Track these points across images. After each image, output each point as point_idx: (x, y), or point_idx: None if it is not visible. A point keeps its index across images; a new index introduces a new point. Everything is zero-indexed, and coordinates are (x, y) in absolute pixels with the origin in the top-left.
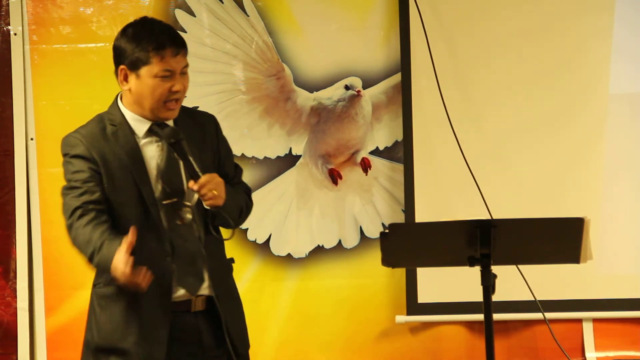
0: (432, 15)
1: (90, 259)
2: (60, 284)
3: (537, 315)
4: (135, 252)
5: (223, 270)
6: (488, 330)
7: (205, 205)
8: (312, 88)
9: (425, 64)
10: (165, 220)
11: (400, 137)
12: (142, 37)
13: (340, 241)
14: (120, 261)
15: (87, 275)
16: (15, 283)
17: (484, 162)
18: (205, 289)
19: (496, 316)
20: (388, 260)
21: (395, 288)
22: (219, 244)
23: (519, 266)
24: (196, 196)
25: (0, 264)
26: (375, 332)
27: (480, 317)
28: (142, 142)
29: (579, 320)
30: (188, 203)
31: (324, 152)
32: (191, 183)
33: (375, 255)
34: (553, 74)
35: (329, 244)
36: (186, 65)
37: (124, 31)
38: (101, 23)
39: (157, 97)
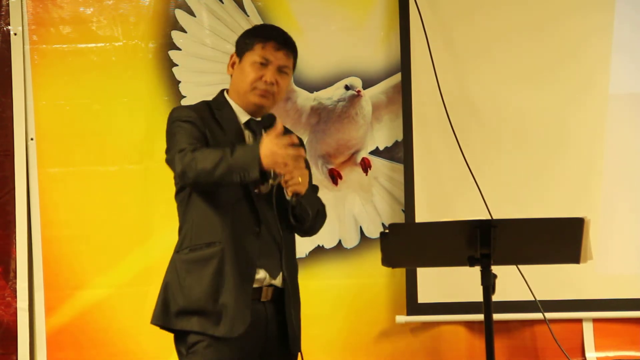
0: (432, 15)
1: (216, 167)
2: (60, 284)
3: (537, 315)
4: (230, 219)
5: (293, 267)
6: (488, 330)
7: (288, 191)
8: (312, 88)
9: (425, 64)
10: (259, 208)
11: (400, 137)
12: (258, 30)
13: (340, 241)
14: (273, 139)
15: (87, 275)
16: (15, 283)
17: (484, 162)
18: (278, 280)
19: (496, 316)
20: (388, 260)
21: (395, 288)
22: (292, 242)
23: (519, 266)
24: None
25: (0, 264)
26: (375, 332)
27: (480, 317)
28: (245, 129)
29: (579, 320)
30: (271, 182)
31: (324, 152)
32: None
33: (375, 255)
34: (553, 73)
35: (329, 244)
36: (287, 66)
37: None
38: (101, 23)
39: (249, 80)
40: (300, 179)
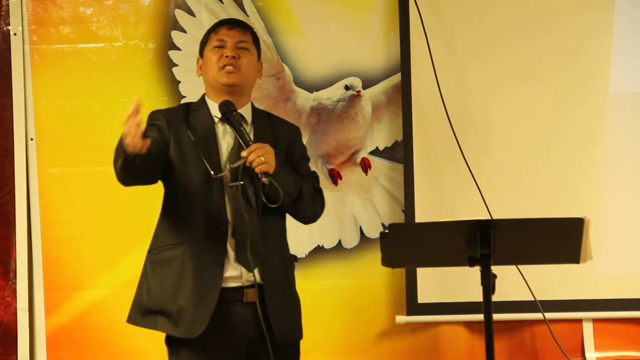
0: (432, 15)
1: (116, 156)
2: (60, 284)
3: (537, 315)
4: (195, 220)
5: (278, 260)
6: (488, 330)
7: (256, 171)
8: (312, 88)
9: (425, 64)
10: (228, 202)
11: (400, 137)
12: (211, 27)
13: (340, 241)
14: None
15: (87, 275)
16: (15, 283)
17: (484, 162)
18: (256, 276)
19: (496, 316)
20: (388, 260)
21: (395, 288)
22: (276, 231)
23: (519, 266)
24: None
25: (0, 264)
26: (375, 332)
27: (480, 317)
28: (218, 126)
29: (579, 320)
30: (231, 165)
31: (323, 152)
32: (242, 151)
33: (375, 255)
34: (553, 72)
35: (329, 244)
36: (244, 41)
37: None
38: (101, 23)
39: (213, 64)
40: (262, 158)
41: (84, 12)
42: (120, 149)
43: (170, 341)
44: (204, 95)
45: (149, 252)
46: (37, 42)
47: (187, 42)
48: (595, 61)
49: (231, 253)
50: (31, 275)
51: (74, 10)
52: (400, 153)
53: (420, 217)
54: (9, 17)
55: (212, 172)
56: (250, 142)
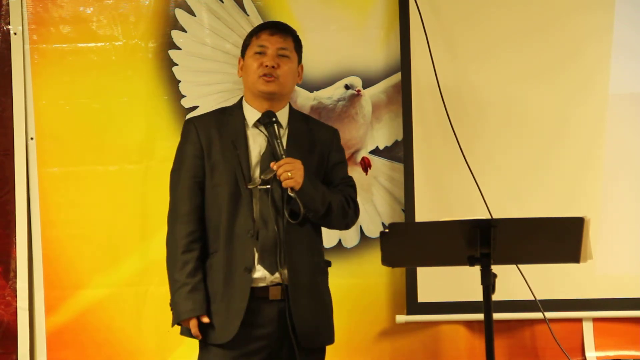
0: (432, 15)
1: (170, 281)
2: (60, 283)
3: (537, 315)
4: (226, 225)
5: (306, 264)
6: (488, 329)
7: (282, 185)
8: (312, 87)
9: (425, 63)
10: (256, 205)
11: (400, 137)
12: (254, 28)
13: (340, 241)
14: (194, 325)
15: (87, 274)
16: (15, 283)
17: (484, 162)
18: (278, 276)
19: (496, 316)
20: (388, 260)
21: (395, 288)
22: (302, 236)
23: (519, 266)
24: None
25: (0, 264)
26: (375, 332)
27: (480, 316)
28: (250, 130)
29: (579, 320)
30: (262, 176)
31: None
32: (272, 163)
33: (375, 255)
34: (553, 72)
35: (329, 243)
36: (286, 48)
37: None
38: (101, 23)
39: (252, 71)
40: (289, 174)
41: (84, 11)
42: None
43: (200, 347)
44: (241, 99)
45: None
46: (37, 41)
47: (188, 41)
48: (595, 61)
49: (256, 256)
50: (31, 275)
51: (74, 10)
52: (401, 152)
53: (420, 216)
54: (9, 16)
55: (245, 183)
56: (283, 156)
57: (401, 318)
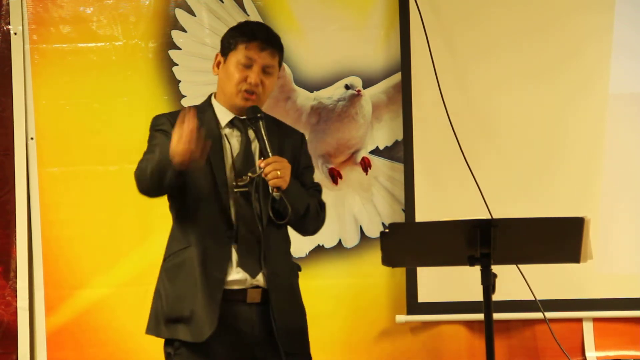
0: (432, 15)
1: (151, 171)
2: (60, 283)
3: (537, 315)
4: (200, 227)
5: (284, 267)
6: (488, 329)
7: (269, 184)
8: (312, 87)
9: (425, 63)
10: (233, 207)
11: (400, 137)
12: (242, 29)
13: (340, 241)
14: (176, 130)
15: (87, 274)
16: (16, 282)
17: (484, 162)
18: (261, 280)
19: (496, 316)
20: (388, 260)
21: (395, 288)
22: (281, 239)
23: (519, 266)
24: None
25: (0, 264)
26: (375, 332)
27: (480, 316)
28: (224, 131)
29: (579, 320)
30: (250, 174)
31: (324, 152)
32: (259, 161)
33: (375, 254)
34: (553, 72)
35: (329, 243)
36: (272, 66)
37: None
38: (101, 23)
39: (234, 83)
40: (279, 172)
41: (84, 11)
42: (166, 165)
43: (172, 345)
44: (210, 97)
45: (164, 260)
46: (37, 41)
47: (188, 41)
48: (596, 61)
49: (235, 257)
50: (31, 275)
51: (74, 10)
52: (401, 152)
53: (420, 216)
54: (9, 16)
55: (229, 184)
56: (270, 154)
57: (401, 318)
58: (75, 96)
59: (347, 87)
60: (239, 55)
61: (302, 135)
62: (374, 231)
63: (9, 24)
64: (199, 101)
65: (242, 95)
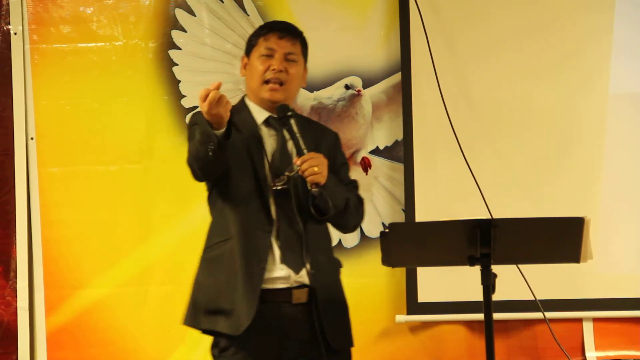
0: (432, 15)
1: (196, 148)
2: (60, 283)
3: (537, 315)
4: (241, 221)
5: (327, 264)
6: (488, 329)
7: (307, 181)
8: (312, 87)
9: (425, 63)
10: (273, 204)
11: (400, 137)
12: (261, 27)
13: (340, 240)
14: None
15: (87, 274)
16: (16, 283)
17: (484, 162)
18: (305, 277)
19: (496, 316)
20: (388, 260)
21: (395, 288)
22: (322, 235)
23: (519, 266)
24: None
25: (0, 264)
26: (375, 331)
27: (480, 316)
28: (262, 126)
29: (579, 320)
30: (287, 173)
31: None
32: (295, 159)
33: (375, 254)
34: (553, 72)
35: None
36: (293, 52)
37: None
38: (101, 23)
39: (258, 74)
40: (315, 169)
41: (84, 11)
42: (206, 136)
43: (217, 346)
44: (243, 97)
45: (202, 252)
46: (37, 41)
47: (188, 41)
48: (596, 61)
49: (277, 254)
50: (31, 275)
51: (74, 10)
52: (401, 152)
53: (420, 216)
54: (9, 16)
55: (270, 182)
56: (305, 151)
57: (401, 318)
58: (75, 96)
59: (347, 87)
60: (260, 48)
61: (336, 135)
62: (374, 231)
63: (9, 24)
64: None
65: (267, 87)
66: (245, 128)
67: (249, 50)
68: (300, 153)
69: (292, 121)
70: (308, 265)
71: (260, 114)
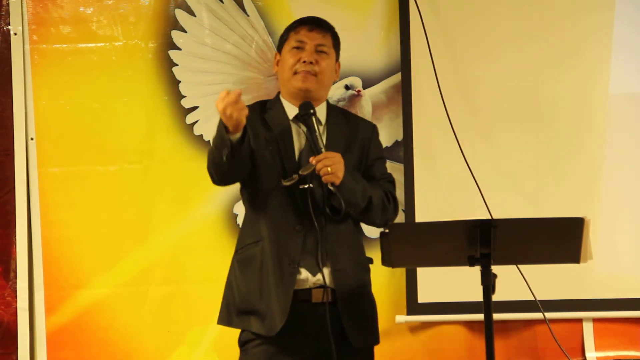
0: (432, 15)
1: (211, 150)
2: (60, 283)
3: (537, 315)
4: (271, 221)
5: (350, 263)
6: (488, 330)
7: (322, 180)
8: None
9: (425, 64)
10: (300, 202)
11: (400, 137)
12: (291, 23)
13: None
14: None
15: (87, 275)
16: (16, 283)
17: (484, 162)
18: (326, 279)
19: (496, 316)
20: (388, 260)
21: (395, 288)
22: (347, 238)
23: (519, 266)
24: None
25: (0, 264)
26: None
27: (480, 317)
28: (292, 123)
29: (579, 320)
30: (301, 172)
31: None
32: (312, 158)
33: (375, 255)
34: (553, 72)
35: None
36: (324, 44)
37: None
38: (101, 23)
39: (289, 66)
40: (329, 169)
41: (84, 11)
42: (221, 140)
43: (245, 341)
44: (278, 93)
45: (235, 252)
46: (37, 41)
47: (188, 41)
48: (596, 61)
49: (301, 253)
50: (31, 275)
51: (74, 10)
52: (401, 153)
53: (420, 216)
54: (9, 16)
55: (281, 179)
56: (322, 149)
57: (401, 318)
58: (75, 96)
59: (347, 87)
60: (290, 42)
61: (374, 127)
62: (374, 231)
63: (9, 24)
64: (199, 101)
65: (298, 77)
66: (275, 125)
67: (280, 46)
68: (316, 152)
69: (313, 119)
70: (328, 268)
71: (291, 110)
